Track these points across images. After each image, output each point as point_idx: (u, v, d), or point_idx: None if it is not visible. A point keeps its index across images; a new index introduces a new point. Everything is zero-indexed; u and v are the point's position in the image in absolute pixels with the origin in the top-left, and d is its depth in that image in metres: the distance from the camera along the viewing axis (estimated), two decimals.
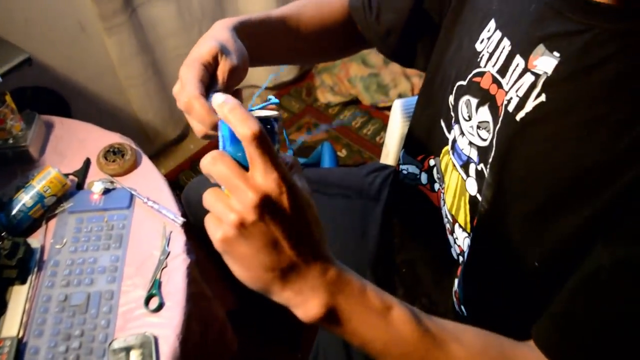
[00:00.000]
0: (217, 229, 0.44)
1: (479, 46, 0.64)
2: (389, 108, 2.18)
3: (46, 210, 0.96)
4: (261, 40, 0.70)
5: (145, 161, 1.08)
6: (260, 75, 2.14)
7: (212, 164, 0.43)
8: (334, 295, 0.47)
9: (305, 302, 0.46)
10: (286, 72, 2.20)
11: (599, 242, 0.49)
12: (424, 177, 0.83)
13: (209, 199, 0.45)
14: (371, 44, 0.87)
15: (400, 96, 2.16)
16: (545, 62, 0.52)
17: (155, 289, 0.86)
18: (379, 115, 2.22)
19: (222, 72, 0.56)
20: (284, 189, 0.42)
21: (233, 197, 0.43)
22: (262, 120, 0.45)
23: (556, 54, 0.51)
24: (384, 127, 2.14)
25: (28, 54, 1.14)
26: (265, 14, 0.74)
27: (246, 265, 0.45)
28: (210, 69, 0.55)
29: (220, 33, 0.61)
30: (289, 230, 0.44)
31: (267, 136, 0.43)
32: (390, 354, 0.50)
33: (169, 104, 1.86)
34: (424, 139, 0.81)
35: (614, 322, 0.48)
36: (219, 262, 1.22)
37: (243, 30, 0.65)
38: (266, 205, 0.42)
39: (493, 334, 0.54)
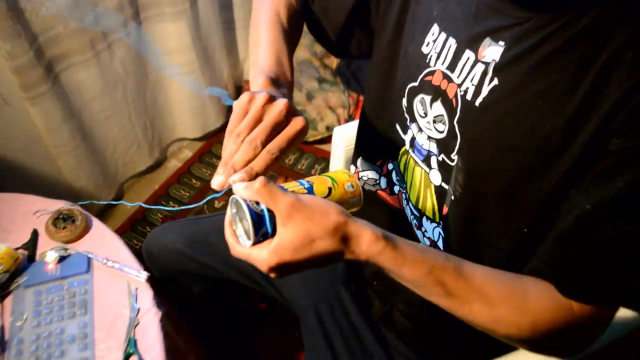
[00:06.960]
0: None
1: (425, 49, 0.71)
2: (319, 141, 2.26)
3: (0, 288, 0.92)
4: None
5: (97, 223, 1.06)
6: (188, 127, 2.15)
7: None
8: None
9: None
10: (214, 120, 2.22)
11: (572, 193, 0.57)
12: (383, 182, 0.88)
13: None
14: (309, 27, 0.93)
15: (328, 128, 2.24)
16: (493, 51, 0.61)
17: (132, 347, 0.84)
18: (310, 149, 2.28)
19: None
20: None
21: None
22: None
23: (501, 43, 0.60)
24: (316, 159, 2.20)
25: None
26: (270, 39, 0.79)
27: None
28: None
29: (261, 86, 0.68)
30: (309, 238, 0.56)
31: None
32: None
33: (100, 167, 1.81)
34: (381, 145, 0.86)
35: (604, 252, 0.55)
36: (187, 313, 1.20)
37: (278, 73, 0.74)
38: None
39: (517, 278, 0.60)
